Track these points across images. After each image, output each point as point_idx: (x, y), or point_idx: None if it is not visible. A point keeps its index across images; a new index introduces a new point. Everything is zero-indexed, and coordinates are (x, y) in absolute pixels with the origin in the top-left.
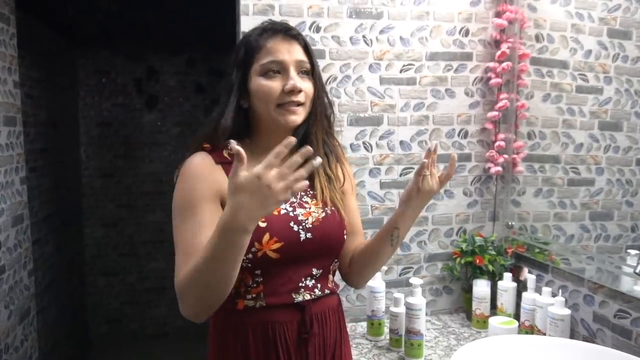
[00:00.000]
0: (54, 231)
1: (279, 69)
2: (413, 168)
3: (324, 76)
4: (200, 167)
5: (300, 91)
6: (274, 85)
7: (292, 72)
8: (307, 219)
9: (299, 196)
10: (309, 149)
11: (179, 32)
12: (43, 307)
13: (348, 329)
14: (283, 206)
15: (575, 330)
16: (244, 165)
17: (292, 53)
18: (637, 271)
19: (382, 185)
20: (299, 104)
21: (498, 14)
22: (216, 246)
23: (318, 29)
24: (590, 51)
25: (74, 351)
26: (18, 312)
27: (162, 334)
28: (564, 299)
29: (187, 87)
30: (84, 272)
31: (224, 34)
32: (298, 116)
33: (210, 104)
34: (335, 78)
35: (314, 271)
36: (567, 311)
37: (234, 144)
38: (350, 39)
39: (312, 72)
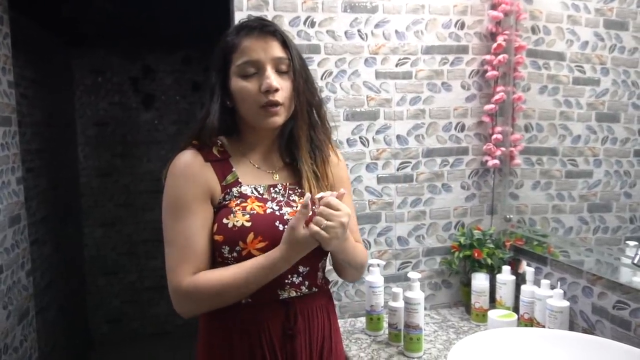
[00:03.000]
0: (52, 231)
1: (255, 69)
2: (410, 162)
3: (320, 71)
4: (191, 165)
5: (277, 90)
6: (251, 86)
7: (269, 70)
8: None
9: (286, 195)
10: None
11: (174, 30)
12: (42, 307)
13: (347, 325)
14: (269, 204)
15: (575, 322)
16: (302, 222)
17: (268, 51)
18: (636, 262)
19: (380, 180)
20: (278, 104)
21: (493, 6)
22: (263, 274)
23: (313, 24)
24: (586, 42)
25: (75, 351)
26: (17, 312)
27: (163, 333)
28: (562, 291)
29: (183, 85)
30: (84, 272)
31: (220, 31)
32: (279, 117)
33: None
34: (331, 73)
35: (301, 269)
36: (566, 303)
37: (307, 197)
38: (345, 33)
39: (292, 68)
